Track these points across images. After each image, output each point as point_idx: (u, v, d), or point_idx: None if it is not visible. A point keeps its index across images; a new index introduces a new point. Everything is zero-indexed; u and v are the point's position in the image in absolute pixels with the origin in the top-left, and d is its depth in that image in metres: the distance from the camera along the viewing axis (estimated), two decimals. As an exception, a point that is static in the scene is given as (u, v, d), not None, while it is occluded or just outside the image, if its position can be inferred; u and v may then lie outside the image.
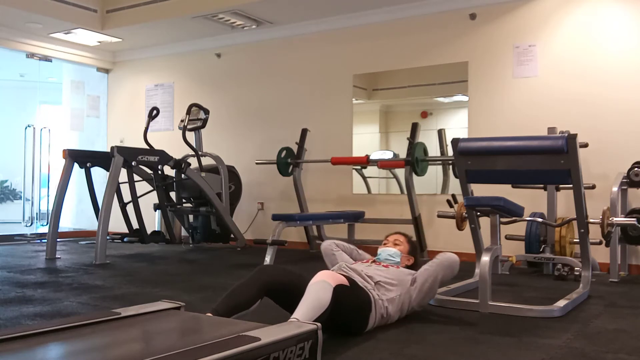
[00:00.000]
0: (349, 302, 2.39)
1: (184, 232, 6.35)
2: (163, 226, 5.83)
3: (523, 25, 5.21)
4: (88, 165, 5.47)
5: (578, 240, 3.72)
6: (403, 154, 5.32)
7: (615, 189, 4.13)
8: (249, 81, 6.81)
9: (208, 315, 2.25)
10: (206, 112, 5.84)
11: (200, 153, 5.91)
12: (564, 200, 4.67)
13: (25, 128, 7.63)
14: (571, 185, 3.32)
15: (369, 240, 5.70)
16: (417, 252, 3.15)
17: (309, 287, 2.26)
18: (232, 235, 6.07)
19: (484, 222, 3.66)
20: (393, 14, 5.80)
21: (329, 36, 6.25)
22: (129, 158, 5.20)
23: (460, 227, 3.91)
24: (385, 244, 3.08)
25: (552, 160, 3.17)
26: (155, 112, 5.87)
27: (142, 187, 5.57)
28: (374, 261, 2.95)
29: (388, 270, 2.80)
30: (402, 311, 2.75)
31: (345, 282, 2.40)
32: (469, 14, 5.44)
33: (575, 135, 3.12)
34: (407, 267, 2.96)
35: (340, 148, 6.05)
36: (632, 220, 3.73)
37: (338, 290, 2.28)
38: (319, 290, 2.24)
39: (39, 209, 7.68)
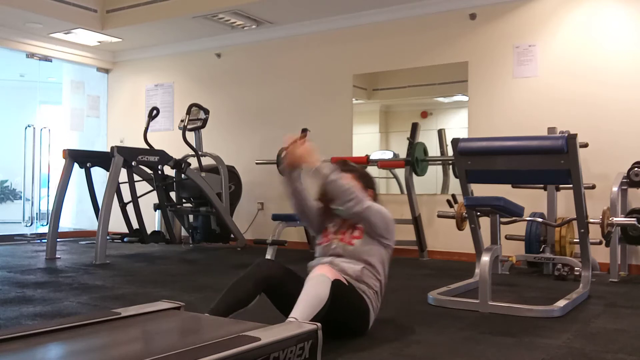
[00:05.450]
0: (347, 299, 2.37)
1: (184, 232, 6.35)
2: (163, 226, 5.82)
3: (523, 25, 5.21)
4: (88, 165, 5.47)
5: (578, 240, 3.72)
6: (403, 154, 5.33)
7: (615, 189, 4.13)
8: (249, 81, 6.81)
9: (206, 315, 2.25)
10: (206, 112, 5.84)
11: (200, 153, 5.91)
12: (564, 200, 4.67)
13: (25, 128, 7.63)
14: (571, 185, 3.32)
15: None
16: (372, 183, 2.72)
17: (307, 282, 2.25)
18: (232, 235, 6.07)
19: (484, 222, 3.66)
20: (393, 14, 5.80)
21: (329, 36, 6.25)
22: (129, 158, 5.20)
23: (460, 227, 3.91)
24: None
25: (552, 160, 3.17)
26: (155, 112, 5.88)
27: (142, 187, 5.57)
28: (337, 230, 2.64)
29: (356, 248, 2.54)
30: (389, 262, 2.61)
31: (343, 279, 2.39)
32: (469, 14, 5.44)
33: (575, 135, 3.12)
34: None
35: (340, 148, 6.05)
36: (632, 220, 3.73)
37: (336, 284, 2.27)
38: (316, 285, 2.22)
39: (39, 209, 7.68)
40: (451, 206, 3.92)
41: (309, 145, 2.51)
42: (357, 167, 2.77)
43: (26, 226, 7.63)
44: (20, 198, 8.35)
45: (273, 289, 2.44)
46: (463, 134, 5.40)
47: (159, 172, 5.57)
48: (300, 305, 2.17)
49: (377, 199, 2.69)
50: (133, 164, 5.27)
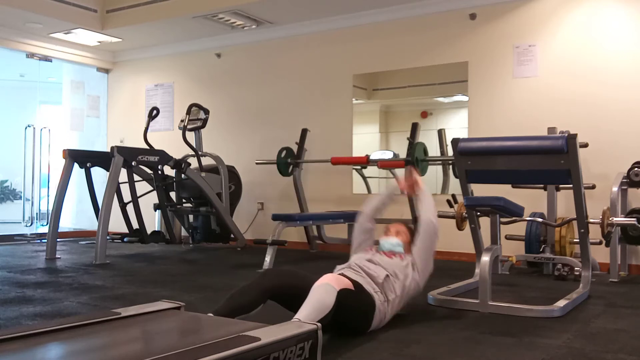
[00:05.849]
0: (352, 305, 2.39)
1: (184, 232, 6.35)
2: (163, 226, 5.82)
3: (523, 25, 5.21)
4: (88, 165, 5.47)
5: (578, 240, 3.72)
6: (403, 154, 5.32)
7: (615, 189, 4.13)
8: (249, 81, 6.81)
9: (209, 315, 2.25)
10: (206, 112, 5.84)
11: (200, 153, 5.91)
12: (564, 200, 4.67)
13: (25, 128, 7.63)
14: (571, 185, 3.32)
15: (369, 240, 5.70)
16: None
17: (312, 290, 2.27)
18: (232, 235, 6.07)
19: (484, 222, 3.66)
20: (393, 14, 5.80)
21: (329, 36, 6.25)
22: (129, 158, 5.20)
23: (460, 227, 3.91)
24: (386, 233, 3.01)
25: (552, 160, 3.17)
26: (155, 112, 5.87)
27: (142, 187, 5.57)
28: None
29: (392, 261, 2.74)
30: (408, 297, 2.77)
31: (350, 286, 2.40)
32: (469, 14, 5.44)
33: (575, 135, 3.12)
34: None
35: (340, 148, 6.05)
36: (632, 220, 3.73)
37: (342, 294, 2.29)
38: (322, 293, 2.25)
39: (39, 209, 7.68)
40: (451, 206, 3.93)
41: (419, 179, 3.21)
42: (410, 226, 3.17)
43: (26, 226, 7.63)
44: (20, 198, 8.35)
45: (281, 296, 2.47)
46: (463, 134, 5.40)
47: (159, 172, 5.57)
48: (304, 309, 2.19)
49: None
50: (133, 164, 5.27)
